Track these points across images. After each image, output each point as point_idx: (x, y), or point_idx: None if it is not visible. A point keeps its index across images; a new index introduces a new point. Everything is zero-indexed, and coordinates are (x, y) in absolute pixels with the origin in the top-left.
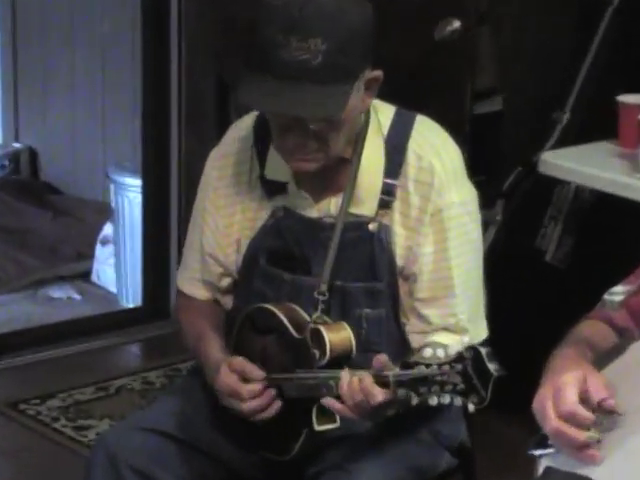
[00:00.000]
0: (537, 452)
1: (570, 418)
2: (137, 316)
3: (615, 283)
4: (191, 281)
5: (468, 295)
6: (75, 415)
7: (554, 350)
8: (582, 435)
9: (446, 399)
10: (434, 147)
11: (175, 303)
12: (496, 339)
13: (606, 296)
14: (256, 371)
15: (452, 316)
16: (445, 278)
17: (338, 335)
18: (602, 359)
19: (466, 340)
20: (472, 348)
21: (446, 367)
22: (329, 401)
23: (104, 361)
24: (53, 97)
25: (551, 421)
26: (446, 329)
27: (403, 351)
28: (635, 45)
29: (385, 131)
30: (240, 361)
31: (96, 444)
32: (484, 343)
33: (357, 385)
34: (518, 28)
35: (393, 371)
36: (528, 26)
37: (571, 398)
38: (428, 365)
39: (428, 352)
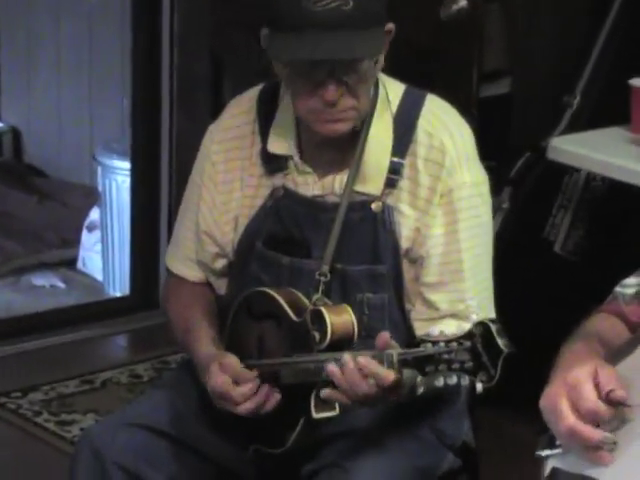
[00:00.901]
0: (544, 453)
1: (591, 416)
2: (124, 306)
3: (627, 275)
4: (182, 260)
5: (478, 280)
6: (58, 409)
7: (563, 345)
8: (598, 435)
9: (453, 379)
10: (446, 126)
11: (163, 285)
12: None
13: (618, 288)
14: (247, 374)
15: (461, 302)
16: (454, 262)
17: (340, 317)
18: (614, 356)
19: None
20: (481, 324)
21: (454, 344)
22: (328, 392)
23: (89, 353)
24: (37, 73)
25: (566, 419)
26: (454, 316)
27: (407, 339)
28: None
29: (394, 108)
30: (231, 363)
31: (80, 440)
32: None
33: (357, 373)
34: (529, 7)
35: (397, 350)
36: (540, 5)
37: (591, 395)
38: (435, 343)
39: (435, 330)
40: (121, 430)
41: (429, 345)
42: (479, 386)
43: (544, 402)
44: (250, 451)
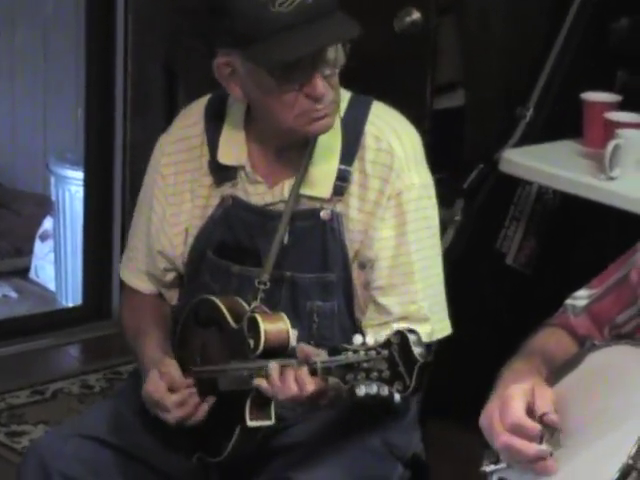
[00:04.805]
0: (488, 468)
1: (516, 430)
2: (76, 316)
3: (580, 287)
4: (135, 273)
5: (429, 283)
6: (8, 420)
7: (507, 361)
8: (533, 448)
9: (373, 389)
10: (393, 129)
11: (121, 297)
12: (455, 345)
13: (568, 301)
14: (182, 382)
15: (412, 304)
16: (404, 264)
17: (274, 325)
18: (559, 371)
19: (428, 330)
20: (399, 333)
21: (372, 353)
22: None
23: (40, 363)
24: None
25: (500, 435)
26: (406, 318)
27: None
28: (602, 41)
29: (342, 113)
30: (169, 371)
31: (28, 451)
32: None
33: (290, 377)
34: (482, 19)
35: (321, 357)
36: (494, 18)
37: (517, 410)
38: (355, 351)
39: (358, 339)
40: (69, 441)
41: (350, 353)
42: (397, 396)
43: (482, 420)
44: (194, 459)
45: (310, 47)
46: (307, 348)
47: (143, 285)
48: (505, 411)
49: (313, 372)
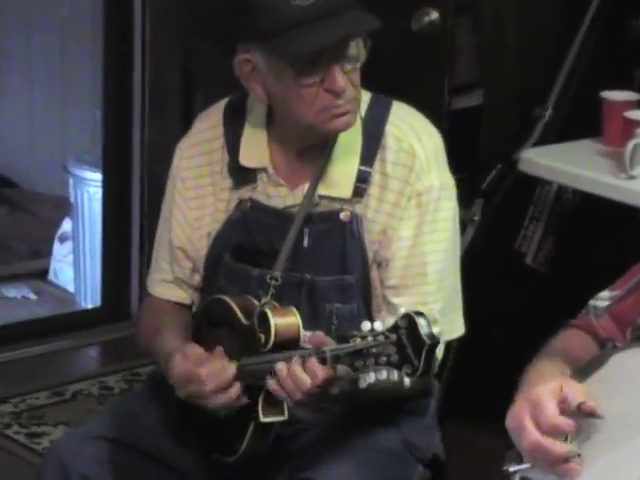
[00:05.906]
0: (512, 468)
1: (552, 431)
2: (96, 317)
3: (600, 288)
4: (161, 284)
5: (443, 286)
6: (28, 421)
7: (530, 362)
8: (563, 449)
9: (382, 374)
10: (414, 130)
11: (141, 302)
12: (473, 345)
13: (591, 302)
14: (209, 355)
15: (423, 305)
16: (419, 265)
17: (285, 319)
18: (580, 373)
19: (436, 332)
20: (407, 316)
21: (381, 337)
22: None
23: (60, 364)
24: (9, 84)
25: (531, 435)
26: None
27: None
28: (621, 39)
29: (362, 113)
30: (194, 352)
31: (47, 453)
32: (458, 339)
33: (299, 372)
34: (500, 19)
35: (330, 346)
36: (511, 17)
37: (551, 411)
38: (364, 337)
39: (367, 325)
40: (87, 442)
41: (358, 340)
42: (406, 380)
43: (509, 421)
44: (212, 459)
45: (330, 38)
46: (321, 336)
47: (170, 292)
48: (540, 413)
49: (322, 361)
